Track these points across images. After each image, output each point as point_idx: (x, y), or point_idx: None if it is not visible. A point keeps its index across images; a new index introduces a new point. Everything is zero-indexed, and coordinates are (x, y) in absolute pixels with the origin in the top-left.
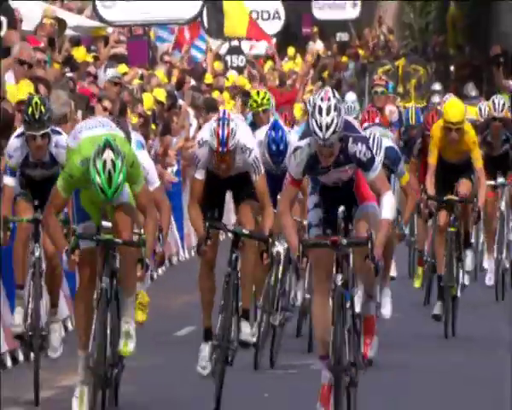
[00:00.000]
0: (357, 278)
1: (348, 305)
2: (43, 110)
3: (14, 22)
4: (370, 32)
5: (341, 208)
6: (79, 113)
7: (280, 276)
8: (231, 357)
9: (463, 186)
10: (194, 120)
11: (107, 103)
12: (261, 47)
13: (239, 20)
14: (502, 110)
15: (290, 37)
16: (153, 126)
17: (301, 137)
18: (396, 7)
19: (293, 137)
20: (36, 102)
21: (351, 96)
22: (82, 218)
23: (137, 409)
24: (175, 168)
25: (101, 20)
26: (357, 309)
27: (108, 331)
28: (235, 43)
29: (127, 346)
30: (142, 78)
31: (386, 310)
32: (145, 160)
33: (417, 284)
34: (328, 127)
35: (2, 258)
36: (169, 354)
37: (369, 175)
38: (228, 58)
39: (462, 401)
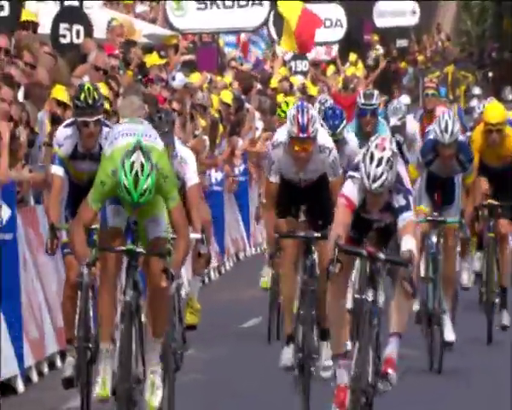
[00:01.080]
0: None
1: (375, 322)
2: (95, 96)
3: (90, 30)
4: (428, 39)
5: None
6: None
7: None
8: (314, 367)
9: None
10: (259, 122)
11: (175, 105)
12: (323, 53)
13: (289, 35)
14: None
15: (352, 43)
16: (220, 128)
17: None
18: (454, 14)
19: (350, 136)
20: (88, 88)
21: (404, 99)
22: (114, 201)
23: (203, 399)
24: (242, 167)
25: (171, 28)
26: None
27: (133, 347)
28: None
29: (152, 399)
30: (210, 82)
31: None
32: (188, 156)
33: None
34: (375, 180)
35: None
36: (235, 346)
37: (400, 220)
38: (292, 64)
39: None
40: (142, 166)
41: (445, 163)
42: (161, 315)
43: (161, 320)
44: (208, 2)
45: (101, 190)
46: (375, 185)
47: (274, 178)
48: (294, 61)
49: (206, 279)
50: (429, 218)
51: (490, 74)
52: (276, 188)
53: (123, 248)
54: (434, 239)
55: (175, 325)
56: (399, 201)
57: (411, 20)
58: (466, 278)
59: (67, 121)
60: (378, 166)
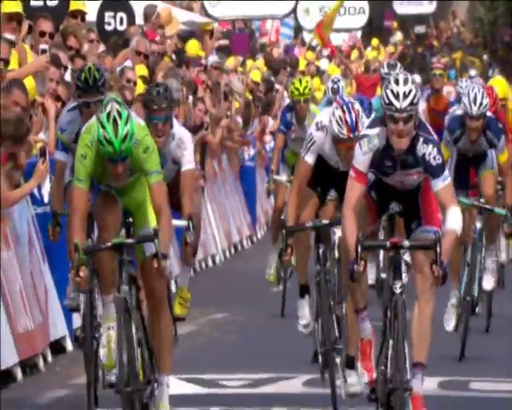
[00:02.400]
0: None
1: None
2: (96, 76)
3: (132, 19)
4: (444, 25)
5: (394, 205)
6: (190, 98)
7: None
8: (339, 357)
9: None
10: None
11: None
12: (348, 39)
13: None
14: None
15: (374, 29)
16: (252, 108)
17: (371, 125)
18: (468, 3)
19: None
20: (89, 68)
21: (417, 78)
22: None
23: (242, 359)
24: (251, 152)
25: (207, 15)
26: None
27: (135, 345)
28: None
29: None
30: (243, 65)
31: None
32: (187, 138)
33: None
34: (405, 96)
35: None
36: (265, 307)
37: (436, 184)
38: (319, 48)
39: None
40: (119, 113)
41: (472, 139)
42: (165, 352)
43: (165, 356)
44: None
45: (83, 164)
46: (406, 102)
47: (310, 158)
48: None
49: (239, 247)
50: (475, 203)
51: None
52: (310, 169)
53: (109, 243)
54: (479, 225)
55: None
56: (432, 154)
57: (429, 7)
58: (504, 256)
59: (70, 105)
60: (405, 83)
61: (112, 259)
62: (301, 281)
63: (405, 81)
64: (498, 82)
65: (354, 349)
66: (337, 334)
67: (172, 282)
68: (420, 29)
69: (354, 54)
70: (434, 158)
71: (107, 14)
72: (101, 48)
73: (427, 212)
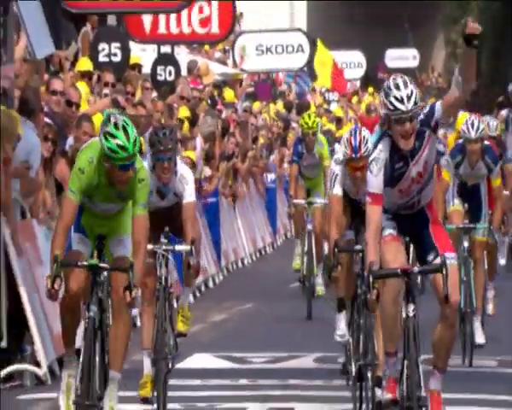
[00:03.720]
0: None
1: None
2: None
3: (179, 71)
4: (425, 76)
5: (407, 239)
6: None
7: None
8: (366, 371)
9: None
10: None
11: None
12: (350, 87)
13: (325, 75)
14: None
15: (369, 79)
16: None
17: (373, 148)
18: (444, 58)
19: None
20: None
21: None
22: (79, 229)
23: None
24: (273, 176)
25: (237, 68)
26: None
27: (97, 363)
28: None
29: None
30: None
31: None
32: (188, 175)
33: None
34: (409, 98)
35: None
36: (286, 301)
37: (438, 111)
38: (326, 94)
39: None
40: (124, 120)
41: (472, 161)
42: (119, 352)
43: (119, 356)
44: (264, 49)
45: (80, 178)
46: (410, 104)
47: (338, 190)
48: (327, 92)
49: (263, 252)
50: (460, 226)
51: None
52: (340, 200)
53: (85, 262)
54: (466, 244)
55: (167, 330)
56: (425, 109)
57: (413, 62)
58: (491, 308)
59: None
60: (406, 87)
61: (86, 277)
62: (340, 294)
63: (405, 84)
64: (464, 116)
65: (382, 370)
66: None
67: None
68: None
69: (355, 99)
70: (423, 111)
71: (159, 68)
72: (154, 94)
73: (440, 240)
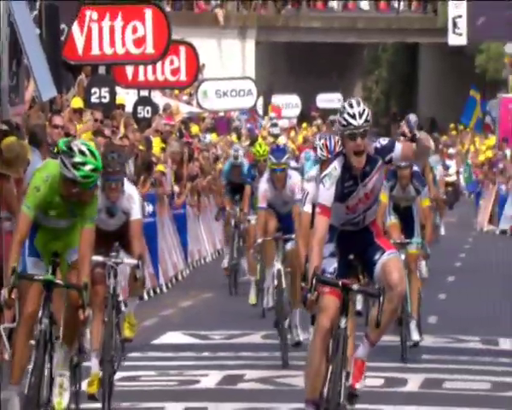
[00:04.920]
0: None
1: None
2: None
3: (155, 110)
4: None
5: (351, 256)
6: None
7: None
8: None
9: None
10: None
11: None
12: (287, 123)
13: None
14: None
15: (304, 117)
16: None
17: (327, 166)
18: (361, 96)
19: (293, 172)
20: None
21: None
22: (33, 253)
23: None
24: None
25: (201, 108)
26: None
27: (46, 373)
28: (274, 121)
29: (61, 399)
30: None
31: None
32: (135, 194)
33: None
34: (361, 115)
35: None
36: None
37: (397, 152)
38: (271, 129)
39: None
40: (82, 143)
41: (403, 185)
42: (71, 327)
43: (71, 330)
44: (222, 93)
45: (35, 195)
46: (362, 119)
47: (308, 208)
48: (272, 128)
49: (221, 252)
50: (398, 241)
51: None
52: (310, 218)
53: (41, 277)
54: (402, 256)
55: (112, 335)
56: (379, 141)
57: (338, 104)
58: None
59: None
60: (359, 105)
61: (40, 291)
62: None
63: (358, 103)
64: None
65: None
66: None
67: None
68: (333, 118)
69: (293, 133)
70: (383, 141)
71: (139, 107)
72: (135, 126)
73: (385, 244)
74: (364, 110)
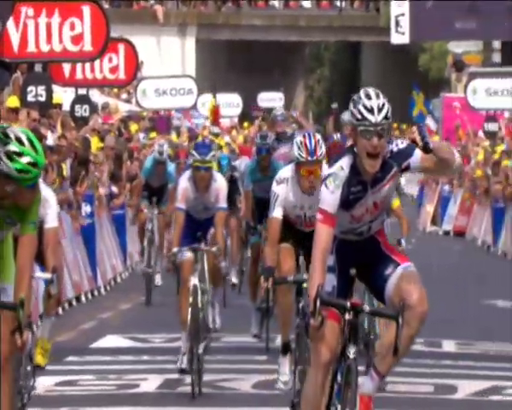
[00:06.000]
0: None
1: (359, 381)
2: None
3: (93, 109)
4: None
5: (353, 271)
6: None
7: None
8: None
9: None
10: None
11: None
12: (228, 122)
13: (211, 113)
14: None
15: (245, 116)
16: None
17: (332, 163)
18: (304, 100)
19: (219, 175)
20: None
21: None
22: None
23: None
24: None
25: (140, 106)
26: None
27: None
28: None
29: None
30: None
31: None
32: (51, 198)
33: None
34: (380, 109)
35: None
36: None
37: (415, 159)
38: (211, 128)
39: None
40: (23, 131)
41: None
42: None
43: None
44: (161, 92)
45: None
46: (381, 116)
47: (278, 213)
48: (212, 126)
49: None
50: None
51: None
52: (280, 223)
53: None
54: None
55: (22, 362)
56: (396, 144)
57: (279, 103)
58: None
59: None
60: (378, 97)
61: None
62: (284, 339)
63: (377, 95)
64: None
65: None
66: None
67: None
68: (274, 113)
69: (234, 132)
70: (398, 144)
71: (77, 106)
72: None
73: (397, 255)
74: (384, 105)
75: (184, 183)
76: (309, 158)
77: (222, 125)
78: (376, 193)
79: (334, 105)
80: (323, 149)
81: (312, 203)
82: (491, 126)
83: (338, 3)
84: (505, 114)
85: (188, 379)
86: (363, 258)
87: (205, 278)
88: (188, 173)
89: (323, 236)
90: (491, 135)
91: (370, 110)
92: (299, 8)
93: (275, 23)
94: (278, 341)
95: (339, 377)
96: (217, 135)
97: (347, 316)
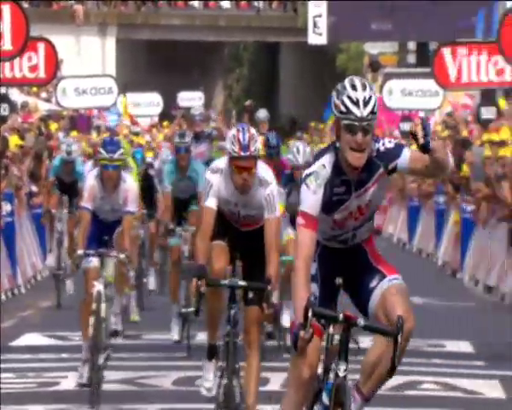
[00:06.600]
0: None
1: (351, 403)
2: None
3: (13, 108)
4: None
5: (339, 280)
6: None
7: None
8: None
9: None
10: None
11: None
12: (149, 121)
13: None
14: None
15: (165, 115)
16: None
17: (313, 161)
18: (223, 100)
19: (128, 176)
20: None
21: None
22: None
23: None
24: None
25: (60, 105)
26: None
27: None
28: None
29: None
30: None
31: None
32: None
33: None
34: (366, 102)
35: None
36: None
37: (403, 159)
38: (131, 127)
39: None
40: None
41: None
42: None
43: None
44: (81, 91)
45: None
46: (367, 110)
47: (212, 203)
48: (132, 126)
49: None
50: None
51: None
52: (213, 214)
53: None
54: None
55: None
56: (383, 143)
57: (199, 102)
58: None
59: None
60: (364, 89)
61: None
62: (211, 343)
63: (364, 86)
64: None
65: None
66: (239, 399)
67: None
68: (193, 112)
69: (154, 131)
70: (385, 143)
71: None
72: None
73: (385, 266)
74: (371, 97)
75: (91, 181)
76: (242, 153)
77: (142, 125)
78: (361, 196)
79: (248, 102)
80: (258, 145)
81: (247, 202)
82: (407, 126)
83: (256, 4)
84: (420, 114)
85: (109, 376)
86: (347, 267)
87: (110, 285)
88: (96, 171)
89: (306, 241)
90: (406, 135)
91: (356, 103)
92: (219, 9)
93: (194, 23)
94: (199, 338)
95: (325, 398)
96: (137, 134)
97: (331, 330)
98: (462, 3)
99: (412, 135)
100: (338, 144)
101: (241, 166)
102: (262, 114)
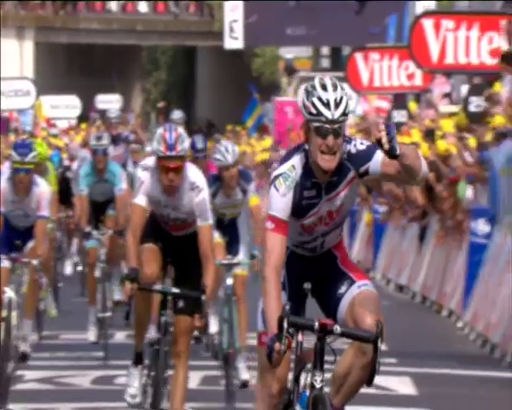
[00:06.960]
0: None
1: None
2: None
3: None
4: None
5: (308, 285)
6: None
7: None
8: None
9: None
10: None
11: None
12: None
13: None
14: None
15: (83, 118)
16: None
17: (282, 162)
18: (141, 103)
19: (40, 180)
20: None
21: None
22: None
23: None
24: None
25: None
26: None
27: None
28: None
29: None
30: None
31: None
32: None
33: None
34: (337, 104)
35: None
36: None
37: (376, 161)
38: (50, 129)
39: None
40: None
41: (230, 187)
42: None
43: None
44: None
45: None
46: (338, 112)
47: (141, 200)
48: (49, 128)
49: None
50: (224, 262)
51: None
52: (143, 211)
53: None
54: (230, 281)
55: None
56: (355, 144)
57: (116, 105)
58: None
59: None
60: (335, 90)
61: None
62: (137, 349)
63: (335, 87)
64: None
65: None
66: (167, 406)
67: None
68: (109, 115)
69: (72, 132)
70: (356, 145)
71: None
72: None
73: (355, 271)
74: (342, 98)
75: (3, 183)
76: (167, 153)
77: (60, 127)
78: (332, 200)
79: (161, 103)
80: (186, 145)
81: (177, 205)
82: None
83: (173, 9)
84: (379, 120)
85: (28, 375)
86: (316, 273)
87: (21, 292)
88: (7, 174)
89: (275, 247)
90: None
91: (326, 104)
92: (136, 13)
93: (112, 27)
94: (117, 337)
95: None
96: (55, 136)
97: (300, 337)
98: (373, 9)
99: (377, 141)
100: (307, 146)
101: (167, 167)
102: (176, 115)
